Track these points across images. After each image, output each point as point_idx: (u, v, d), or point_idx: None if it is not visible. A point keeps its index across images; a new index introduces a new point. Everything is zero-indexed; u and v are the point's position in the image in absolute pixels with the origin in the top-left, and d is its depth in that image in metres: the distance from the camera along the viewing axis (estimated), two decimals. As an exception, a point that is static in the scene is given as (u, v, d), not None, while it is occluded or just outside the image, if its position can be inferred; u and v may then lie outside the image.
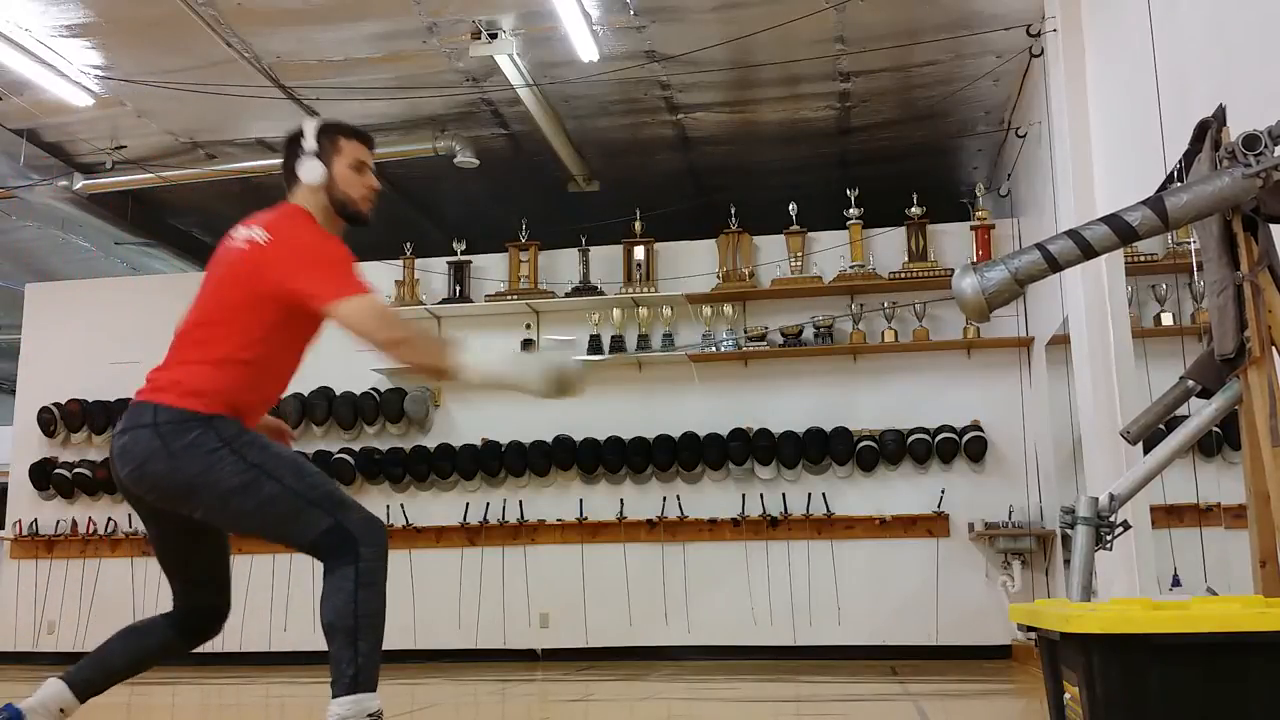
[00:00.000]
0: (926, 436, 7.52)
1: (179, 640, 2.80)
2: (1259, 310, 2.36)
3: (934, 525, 7.48)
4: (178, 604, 2.80)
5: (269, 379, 2.75)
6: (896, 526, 7.51)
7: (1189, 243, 4.05)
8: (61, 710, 2.65)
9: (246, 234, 2.70)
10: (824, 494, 7.63)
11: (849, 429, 7.62)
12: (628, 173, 8.47)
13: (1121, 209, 2.40)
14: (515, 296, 8.14)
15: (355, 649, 2.46)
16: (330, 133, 2.81)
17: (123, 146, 7.88)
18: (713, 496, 7.80)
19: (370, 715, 2.45)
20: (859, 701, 4.89)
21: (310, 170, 2.75)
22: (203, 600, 2.80)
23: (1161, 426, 2.68)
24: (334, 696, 2.45)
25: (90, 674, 2.71)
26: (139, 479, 2.58)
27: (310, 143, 2.77)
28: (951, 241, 7.84)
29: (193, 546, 2.76)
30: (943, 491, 7.49)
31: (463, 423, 8.22)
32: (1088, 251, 2.38)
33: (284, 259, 2.61)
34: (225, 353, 2.62)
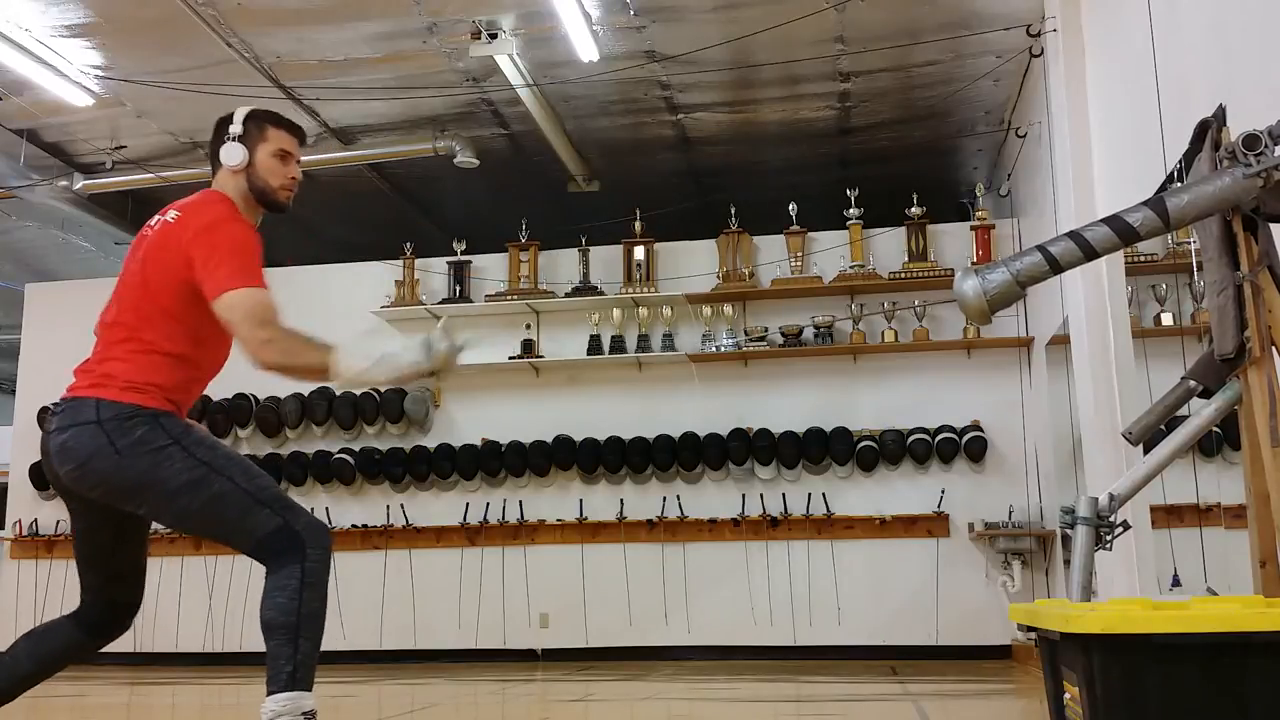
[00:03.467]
0: (926, 436, 7.52)
1: (87, 638, 2.71)
2: (1259, 310, 2.36)
3: (934, 525, 7.48)
4: (90, 600, 2.71)
5: (201, 367, 2.68)
6: (896, 526, 7.51)
7: (1189, 243, 4.05)
8: None
9: (160, 218, 2.68)
10: (824, 494, 7.63)
11: (849, 429, 7.62)
12: (628, 173, 8.47)
13: (1123, 210, 2.40)
14: (515, 296, 8.14)
15: (295, 646, 2.43)
16: (258, 119, 2.78)
17: (123, 146, 7.88)
18: (713, 497, 7.80)
19: (304, 714, 2.41)
20: (859, 701, 4.89)
21: (231, 154, 2.72)
22: (120, 594, 2.72)
23: (1162, 427, 2.68)
24: (269, 694, 2.41)
25: None
26: (81, 477, 2.53)
27: (236, 128, 2.75)
28: (951, 241, 7.84)
29: (121, 540, 2.69)
30: (943, 492, 7.49)
31: (463, 423, 8.22)
32: (1089, 253, 2.39)
33: (185, 239, 2.57)
34: (153, 342, 2.57)
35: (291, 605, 2.44)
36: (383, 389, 8.22)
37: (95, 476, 2.51)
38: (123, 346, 2.59)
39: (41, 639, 2.70)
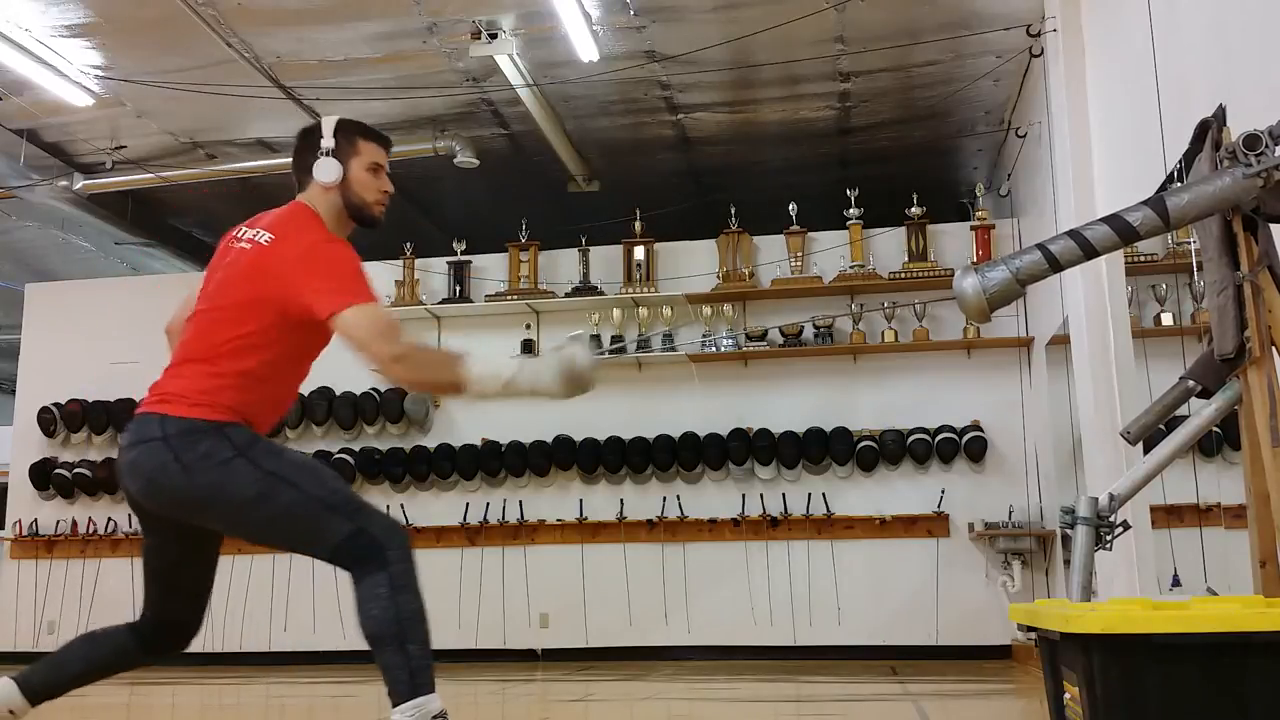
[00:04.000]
0: (926, 436, 7.52)
1: (140, 652, 2.69)
2: (1259, 310, 2.36)
3: (934, 525, 7.48)
4: (150, 615, 2.69)
5: (277, 388, 2.63)
6: (896, 526, 7.51)
7: (1189, 243, 4.05)
8: (11, 712, 2.57)
9: (250, 234, 2.59)
10: (824, 494, 7.63)
11: (849, 429, 7.62)
12: (628, 173, 8.47)
13: (1123, 209, 2.40)
14: (515, 296, 8.14)
15: (406, 654, 2.38)
16: (349, 132, 2.69)
17: (123, 146, 7.88)
18: (713, 496, 7.80)
19: (435, 717, 2.36)
20: (859, 701, 4.89)
21: (327, 170, 2.64)
22: (181, 613, 2.69)
23: (1162, 427, 2.68)
24: (394, 705, 2.36)
25: (44, 677, 2.63)
26: (151, 494, 2.50)
27: (328, 141, 2.65)
28: (951, 241, 7.84)
29: (189, 556, 2.67)
30: (943, 492, 7.49)
31: (463, 423, 8.22)
32: (1089, 252, 2.38)
33: (287, 263, 2.50)
34: (230, 362, 2.51)
35: (389, 614, 2.39)
36: (383, 391, 8.22)
37: (165, 494, 2.48)
38: (194, 365, 2.54)
39: (97, 643, 2.69)
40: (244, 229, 2.65)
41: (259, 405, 2.57)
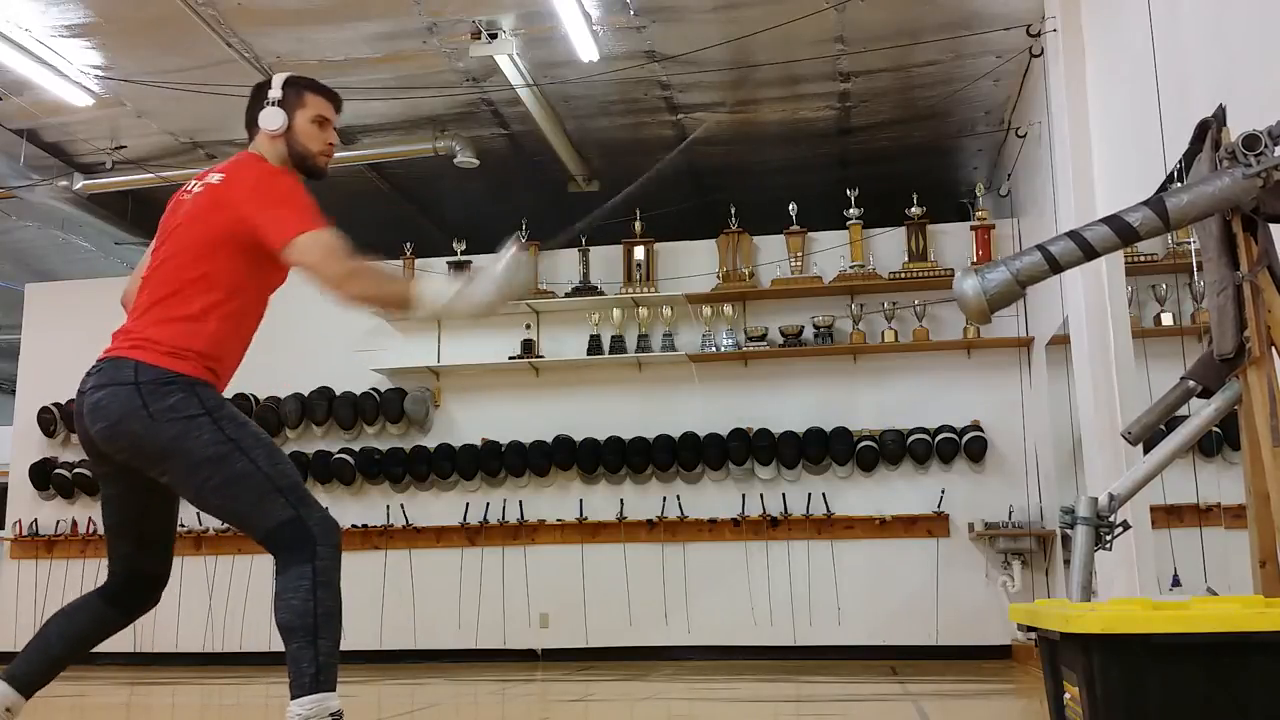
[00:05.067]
0: (926, 436, 7.52)
1: (116, 613, 2.69)
2: (1259, 310, 2.36)
3: (934, 525, 7.48)
4: (118, 570, 2.69)
5: (241, 327, 2.68)
6: (896, 526, 7.51)
7: (1189, 243, 4.05)
8: (8, 710, 2.57)
9: (202, 182, 2.68)
10: (824, 494, 7.63)
11: (849, 429, 7.62)
12: (628, 173, 8.40)
13: (1122, 210, 2.40)
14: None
15: (315, 648, 2.41)
16: (297, 85, 2.79)
17: (123, 146, 7.88)
18: (713, 497, 7.80)
19: (332, 715, 2.40)
20: (859, 701, 4.89)
21: (271, 118, 2.73)
22: (148, 564, 2.70)
23: (1162, 427, 2.68)
24: (294, 698, 2.40)
25: (31, 666, 2.63)
26: (112, 437, 2.51)
27: (275, 92, 2.75)
28: (951, 241, 7.84)
29: (150, 508, 2.67)
30: (943, 492, 7.49)
31: (463, 423, 8.22)
32: (1089, 253, 2.38)
33: (239, 195, 2.58)
34: (198, 305, 2.56)
35: (306, 607, 2.42)
36: (383, 391, 8.23)
37: (125, 438, 2.50)
38: (162, 309, 2.58)
39: (72, 617, 2.68)
40: (193, 182, 2.73)
41: (226, 351, 2.63)
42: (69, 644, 2.66)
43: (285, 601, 2.44)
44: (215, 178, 2.65)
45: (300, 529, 2.47)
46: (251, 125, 2.78)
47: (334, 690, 2.43)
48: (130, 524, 2.68)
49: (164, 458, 2.49)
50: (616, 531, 7.84)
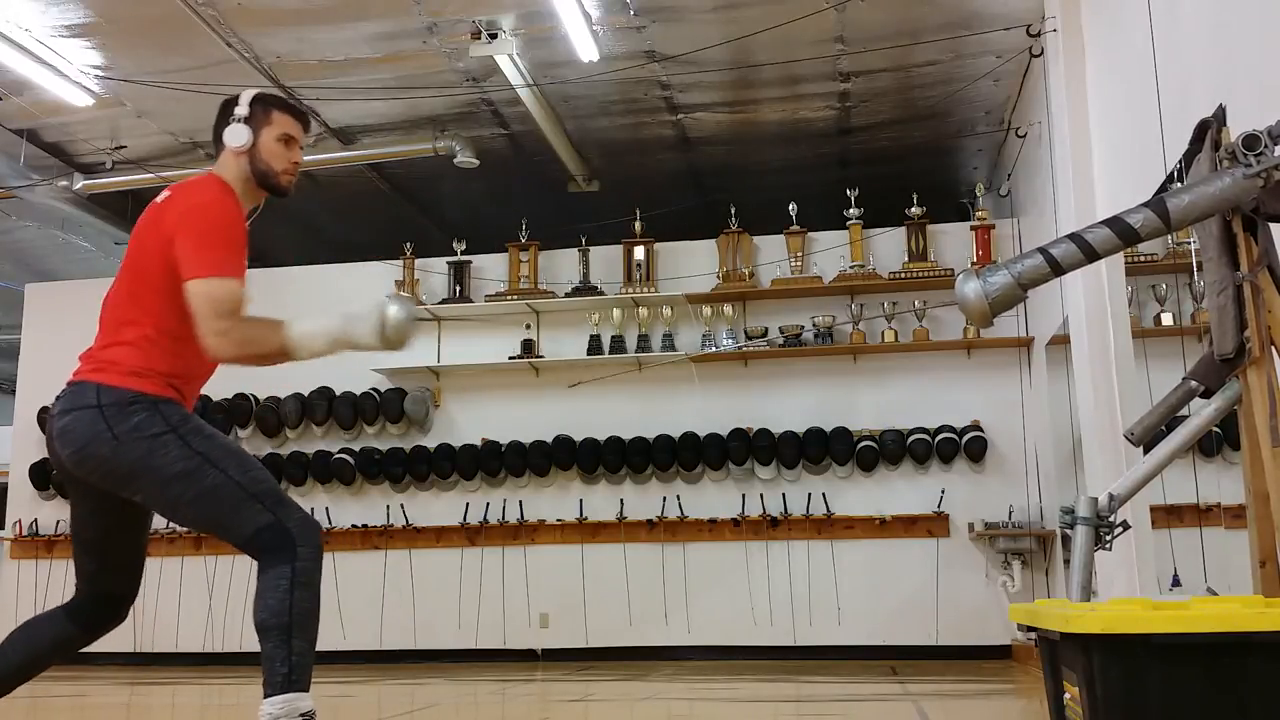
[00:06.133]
0: (926, 436, 7.52)
1: (79, 632, 2.67)
2: (1259, 310, 2.36)
3: (934, 525, 7.48)
4: (85, 590, 2.69)
5: (200, 350, 2.62)
6: (896, 526, 7.51)
7: (1189, 243, 4.05)
8: None
9: (157, 199, 2.68)
10: (824, 494, 7.63)
11: (849, 429, 7.62)
12: (628, 173, 8.47)
13: (1123, 211, 2.40)
14: (515, 296, 8.14)
15: (289, 648, 2.41)
16: (264, 102, 2.79)
17: (123, 146, 7.88)
18: (713, 497, 7.80)
19: (303, 715, 2.40)
20: (859, 701, 4.89)
21: (235, 135, 2.72)
22: (117, 585, 2.69)
23: (1162, 427, 2.68)
24: (266, 696, 2.40)
25: None
26: (80, 461, 2.52)
27: (242, 109, 2.75)
28: (951, 241, 7.84)
29: (121, 528, 2.67)
30: (943, 491, 7.49)
31: (463, 423, 8.22)
32: (1090, 255, 2.38)
33: (169, 220, 2.57)
34: (152, 325, 2.57)
35: (283, 606, 2.42)
36: (383, 391, 8.23)
37: (93, 461, 2.51)
38: (124, 331, 2.59)
39: (33, 630, 2.67)
40: (163, 192, 2.73)
41: (188, 368, 2.62)
42: (28, 656, 2.64)
43: (263, 600, 2.45)
44: (163, 195, 2.66)
45: (279, 532, 2.48)
46: (217, 141, 2.77)
47: (307, 690, 2.44)
48: (99, 544, 2.68)
49: (133, 478, 2.50)
50: (616, 531, 7.84)
